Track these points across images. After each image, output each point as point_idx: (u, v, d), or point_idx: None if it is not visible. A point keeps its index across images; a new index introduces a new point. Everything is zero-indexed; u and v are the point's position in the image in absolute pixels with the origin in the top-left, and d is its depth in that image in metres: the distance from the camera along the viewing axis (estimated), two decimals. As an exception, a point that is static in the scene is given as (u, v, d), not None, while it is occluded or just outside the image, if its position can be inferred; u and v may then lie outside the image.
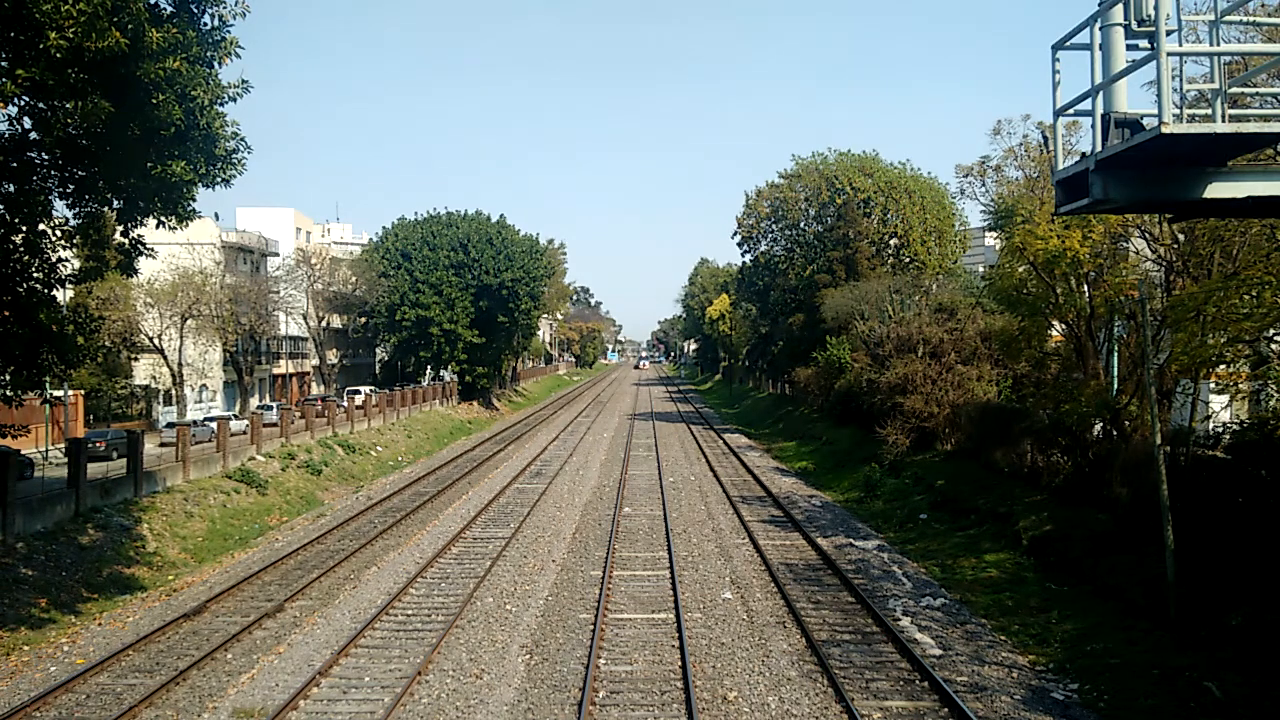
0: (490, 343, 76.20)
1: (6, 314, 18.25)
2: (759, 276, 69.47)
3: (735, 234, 68.87)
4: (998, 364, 34.55)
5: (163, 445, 39.35)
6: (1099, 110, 9.61)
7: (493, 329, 74.99)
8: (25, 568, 22.06)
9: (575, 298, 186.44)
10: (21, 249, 18.25)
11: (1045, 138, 38.20)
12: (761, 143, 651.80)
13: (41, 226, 18.47)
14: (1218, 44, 9.73)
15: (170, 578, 24.18)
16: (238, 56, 17.97)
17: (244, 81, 18.61)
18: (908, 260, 58.06)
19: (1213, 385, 21.77)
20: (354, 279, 70.30)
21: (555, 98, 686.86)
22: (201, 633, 18.91)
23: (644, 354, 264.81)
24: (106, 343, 42.22)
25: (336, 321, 75.30)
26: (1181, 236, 23.19)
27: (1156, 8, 8.79)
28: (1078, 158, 10.73)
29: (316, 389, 74.19)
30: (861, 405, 40.41)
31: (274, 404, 54.29)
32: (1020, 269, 26.66)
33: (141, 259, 19.99)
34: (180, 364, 51.06)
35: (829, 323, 50.57)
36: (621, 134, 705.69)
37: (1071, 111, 10.47)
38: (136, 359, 52.15)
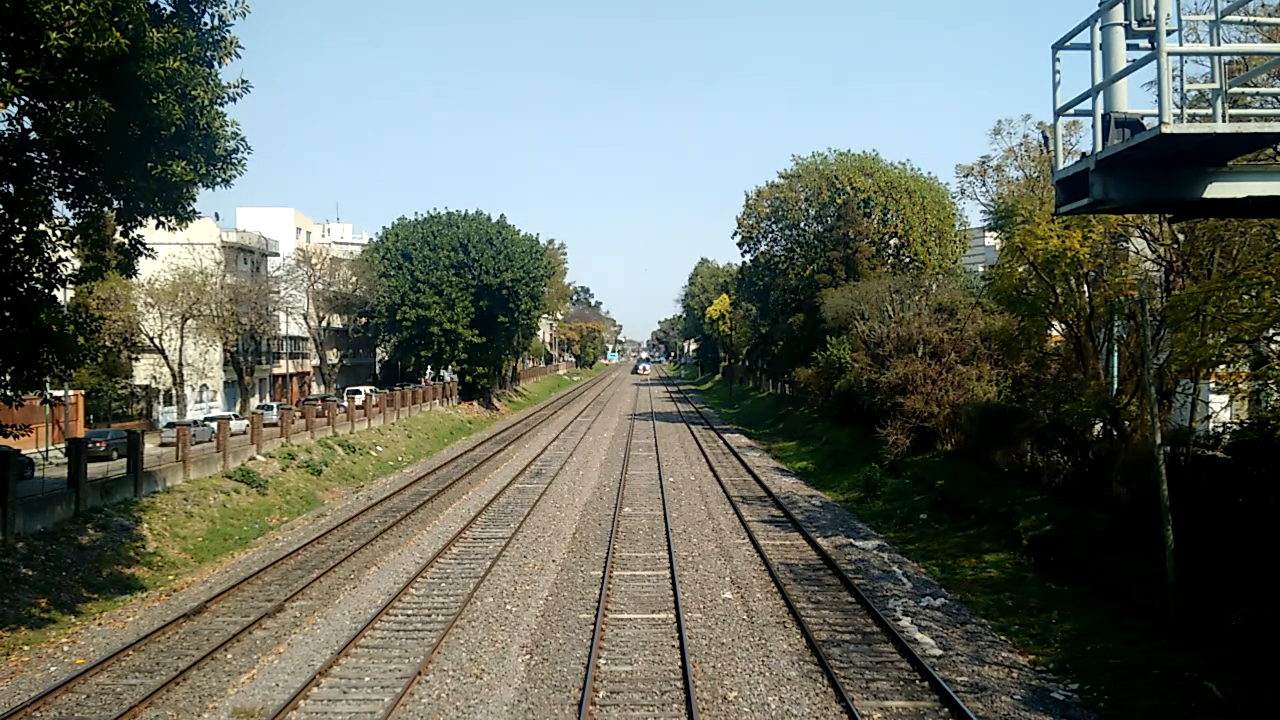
0: (490, 343, 76.21)
1: (6, 314, 18.24)
2: (759, 276, 69.42)
3: (735, 234, 68.84)
4: (998, 364, 34.56)
5: (163, 445, 39.33)
6: (1099, 110, 9.61)
7: (493, 329, 75.01)
8: (25, 568, 22.06)
9: (575, 298, 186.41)
10: (21, 249, 18.24)
11: (1045, 138, 38.20)
12: (761, 143, 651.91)
13: (41, 226, 18.46)
14: (1218, 44, 9.73)
15: (170, 578, 24.18)
16: (238, 56, 18.01)
17: (244, 81, 18.63)
18: (908, 260, 58.01)
19: (1213, 385, 21.76)
20: (354, 279, 70.30)
21: (556, 97, 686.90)
22: (201, 633, 18.90)
23: (644, 354, 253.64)
24: (107, 343, 42.21)
25: (337, 321, 75.29)
26: (1181, 236, 23.17)
27: (1157, 8, 8.79)
28: (1078, 158, 10.73)
29: (317, 389, 74.20)
30: (861, 405, 40.41)
31: (274, 404, 54.29)
32: (1020, 269, 26.64)
33: (141, 259, 20.00)
34: (180, 364, 51.04)
35: (829, 323, 50.54)
36: (622, 134, 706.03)
37: (1072, 111, 10.47)
38: (137, 359, 52.14)
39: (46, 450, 36.00)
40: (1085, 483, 24.16)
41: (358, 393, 61.55)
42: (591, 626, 18.53)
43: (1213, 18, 9.72)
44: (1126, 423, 24.00)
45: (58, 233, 19.35)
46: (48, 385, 23.81)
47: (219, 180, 18.88)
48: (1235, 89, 10.96)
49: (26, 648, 18.28)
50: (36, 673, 16.90)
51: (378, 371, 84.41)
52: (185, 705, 15.07)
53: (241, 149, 19.09)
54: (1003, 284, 27.41)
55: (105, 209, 19.17)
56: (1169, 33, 8.99)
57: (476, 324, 72.57)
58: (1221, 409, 24.92)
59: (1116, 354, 25.72)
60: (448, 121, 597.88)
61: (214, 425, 38.88)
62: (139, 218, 18.91)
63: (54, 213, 18.95)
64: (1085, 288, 25.63)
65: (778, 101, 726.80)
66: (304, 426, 44.10)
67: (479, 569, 23.72)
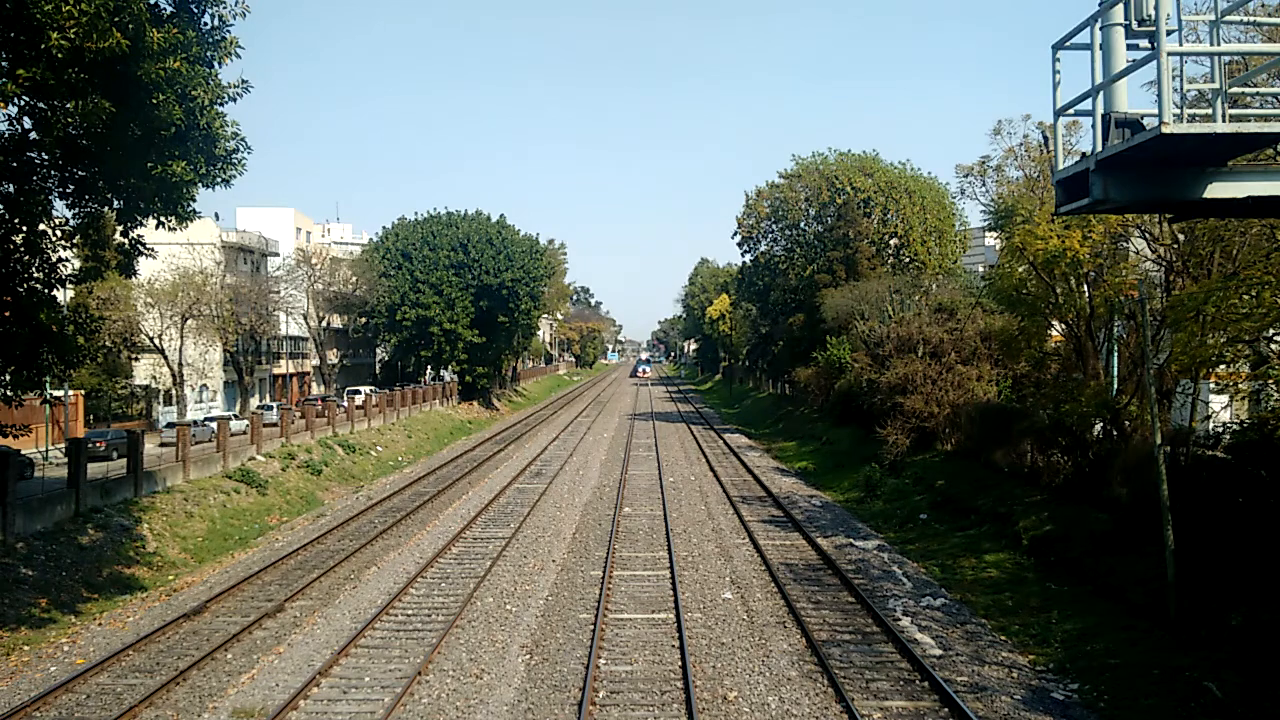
0: (490, 343, 76.21)
1: (6, 314, 18.25)
2: (759, 276, 69.43)
3: (735, 234, 68.87)
4: (998, 364, 34.55)
5: (163, 445, 39.35)
6: (1099, 110, 9.61)
7: (493, 329, 75.02)
8: (25, 568, 22.06)
9: (575, 298, 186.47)
10: (21, 249, 18.26)
11: (1045, 138, 38.20)
12: (762, 143, 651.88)
13: (41, 226, 18.48)
14: (1218, 44, 9.73)
15: (170, 578, 24.19)
16: (238, 56, 18.01)
17: (244, 81, 18.65)
18: (908, 260, 58.02)
19: (1213, 385, 21.79)
20: (354, 279, 70.34)
21: (556, 97, 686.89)
22: (201, 633, 18.91)
23: (644, 355, 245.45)
24: (106, 343, 42.19)
25: (337, 321, 75.32)
26: (1181, 236, 23.18)
27: (1157, 8, 8.80)
28: (1078, 158, 10.74)
29: (316, 389, 74.21)
30: (861, 405, 40.40)
31: (274, 404, 54.32)
32: (1020, 269, 26.66)
33: (141, 259, 19.99)
34: (180, 364, 51.05)
35: (829, 323, 50.56)
36: (622, 134, 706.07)
37: (1072, 111, 10.48)
38: (137, 359, 52.15)
39: (46, 450, 36.02)
40: (1085, 483, 24.15)
41: (358, 393, 61.55)
42: (591, 626, 18.53)
43: (1213, 18, 9.72)
44: (1126, 423, 24.01)
45: (58, 233, 19.36)
46: (48, 385, 23.86)
47: (219, 180, 18.89)
48: (1235, 89, 10.96)
49: (26, 648, 18.28)
50: (36, 673, 16.90)
51: (378, 371, 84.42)
52: (185, 705, 15.07)
53: (241, 149, 19.11)
54: (1003, 284, 27.44)
55: (105, 209, 19.18)
56: (1169, 33, 8.99)
57: (476, 324, 72.58)
58: (1221, 409, 24.92)
59: (1116, 354, 25.73)
60: (448, 121, 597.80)
61: (214, 425, 38.90)
62: (139, 218, 18.90)
63: (54, 213, 18.96)
64: (1085, 288, 25.65)
65: (778, 101, 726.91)
66: (304, 426, 44.09)
67: (479, 569, 23.72)
